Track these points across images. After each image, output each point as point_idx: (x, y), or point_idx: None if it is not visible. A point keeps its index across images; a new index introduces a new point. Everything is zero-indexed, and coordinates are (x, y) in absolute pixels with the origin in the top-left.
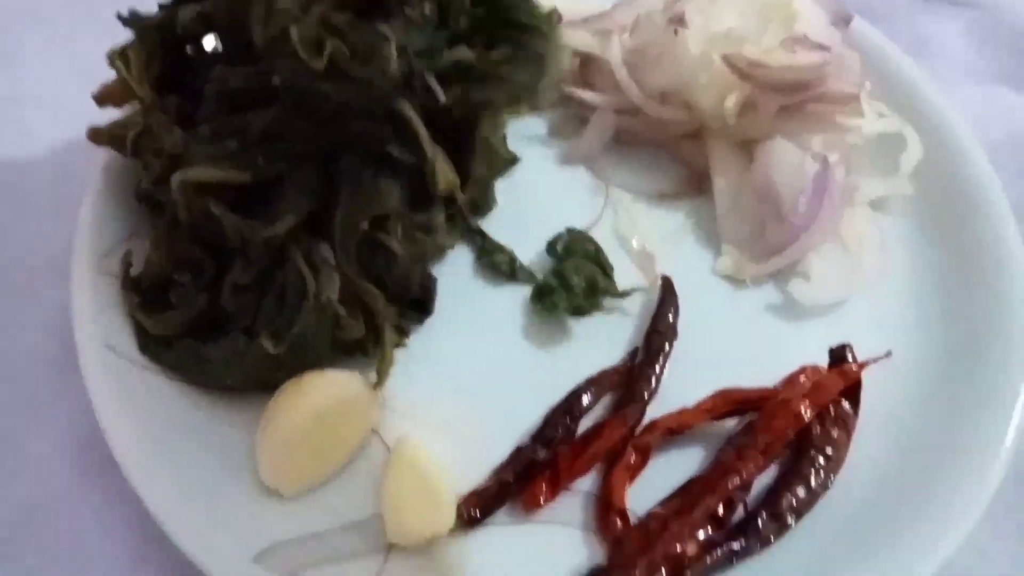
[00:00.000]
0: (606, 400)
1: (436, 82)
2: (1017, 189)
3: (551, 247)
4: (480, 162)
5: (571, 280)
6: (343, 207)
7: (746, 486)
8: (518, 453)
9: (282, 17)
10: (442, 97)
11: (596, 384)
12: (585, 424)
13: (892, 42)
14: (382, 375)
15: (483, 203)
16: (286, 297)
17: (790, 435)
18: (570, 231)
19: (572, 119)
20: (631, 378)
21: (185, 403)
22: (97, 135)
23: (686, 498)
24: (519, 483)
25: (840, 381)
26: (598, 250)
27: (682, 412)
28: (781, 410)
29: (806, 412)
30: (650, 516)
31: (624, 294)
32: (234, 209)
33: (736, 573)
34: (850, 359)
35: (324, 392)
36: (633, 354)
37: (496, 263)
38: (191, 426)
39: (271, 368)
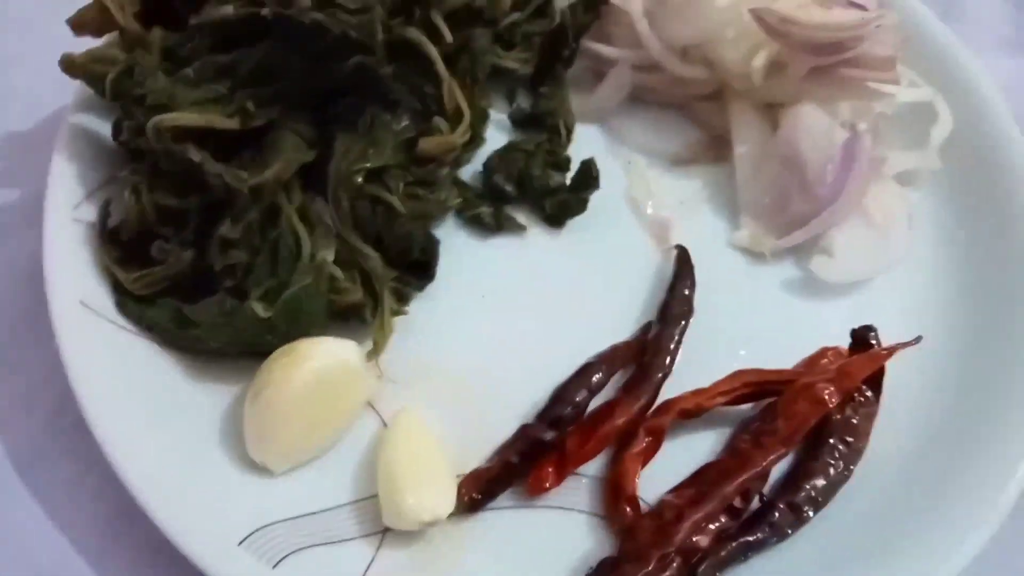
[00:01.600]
0: (617, 379)
1: (443, 22)
2: None
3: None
4: (479, 96)
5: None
6: (337, 157)
7: (764, 475)
8: (524, 432)
9: None
10: (449, 38)
11: (607, 361)
12: (595, 403)
13: (925, 7)
14: (380, 344)
15: (477, 136)
16: (278, 256)
17: (812, 423)
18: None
19: (587, 73)
20: (643, 355)
21: (167, 368)
22: (71, 66)
23: (700, 487)
24: (524, 465)
25: (867, 366)
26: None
27: (697, 393)
28: (804, 395)
29: (831, 399)
30: (663, 505)
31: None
32: (222, 159)
33: (751, 565)
34: (874, 342)
35: (318, 361)
36: (646, 328)
37: (481, 216)
38: (173, 394)
39: (261, 332)
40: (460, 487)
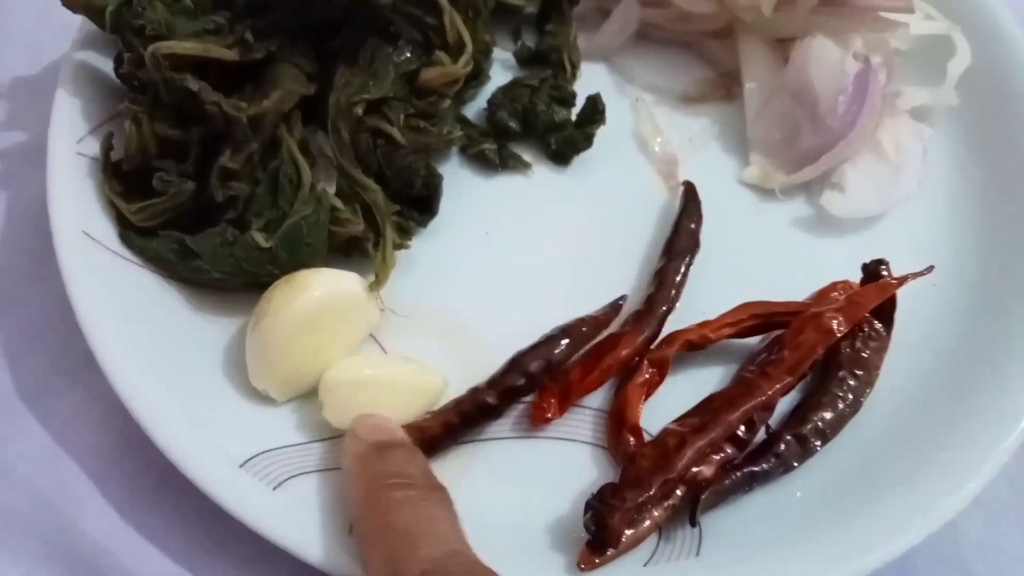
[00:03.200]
0: (604, 300)
1: None
2: None
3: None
4: (482, 29)
5: (506, 123)
6: (337, 89)
7: (769, 406)
8: (471, 395)
9: None
10: None
11: (571, 335)
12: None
13: None
14: (382, 277)
15: (481, 71)
16: (279, 187)
17: (820, 353)
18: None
19: (593, 11)
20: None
21: (170, 298)
22: (72, 0)
23: (705, 416)
24: (464, 427)
25: (876, 296)
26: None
27: (703, 325)
28: (811, 325)
29: (839, 328)
30: (666, 433)
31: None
32: (224, 91)
33: (755, 496)
34: (886, 275)
35: (319, 290)
36: (617, 303)
37: (485, 153)
38: (176, 323)
39: (262, 262)
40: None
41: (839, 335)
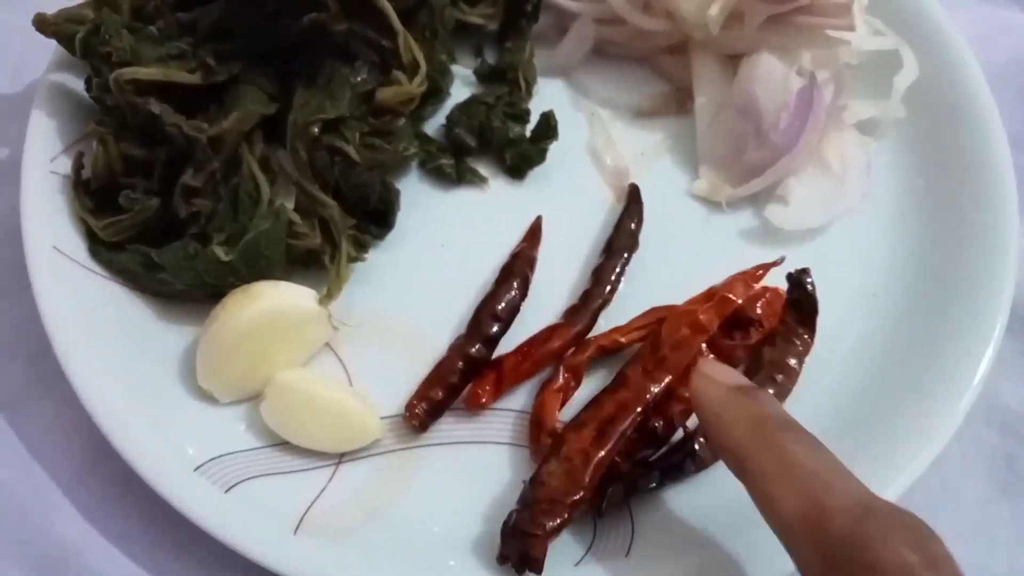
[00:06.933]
0: (558, 308)
1: None
2: (1016, 117)
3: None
4: (440, 49)
5: (462, 139)
6: (295, 109)
7: (660, 406)
8: (461, 349)
9: None
10: None
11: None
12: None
13: None
14: (333, 290)
15: (439, 89)
16: (239, 203)
17: (696, 348)
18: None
19: (552, 28)
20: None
21: (136, 309)
22: (44, 24)
23: (601, 424)
24: (464, 383)
25: (743, 290)
26: (498, 99)
27: (616, 330)
28: (685, 322)
29: (710, 323)
30: (571, 448)
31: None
32: (187, 112)
33: (687, 496)
34: (809, 285)
35: (270, 301)
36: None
37: (442, 168)
38: (140, 334)
39: (223, 275)
40: (408, 408)
41: (711, 330)
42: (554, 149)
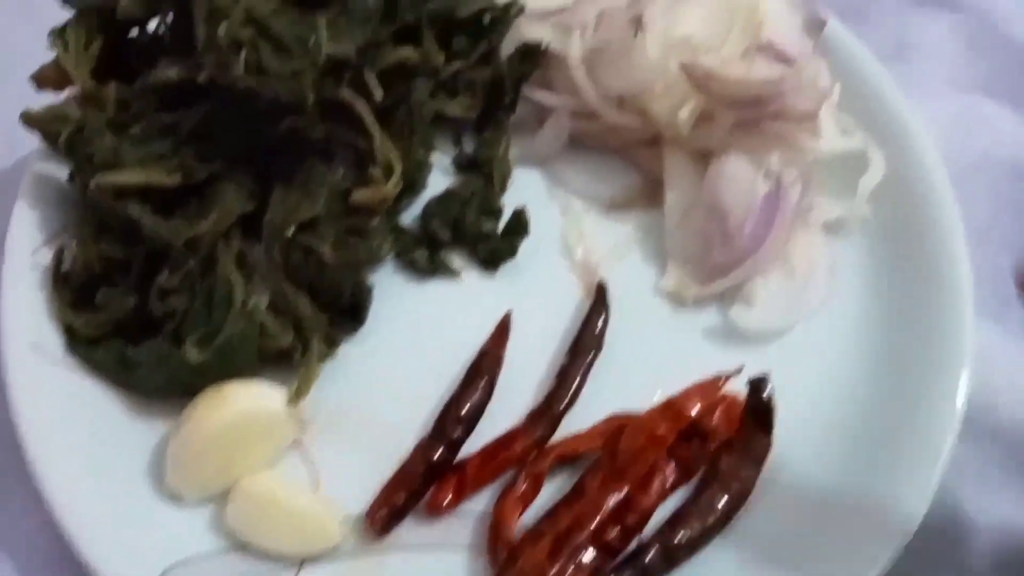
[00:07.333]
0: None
1: (375, 80)
2: (984, 211)
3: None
4: (419, 144)
5: (437, 232)
6: (272, 209)
7: (617, 516)
8: (425, 452)
9: (221, 14)
10: (379, 96)
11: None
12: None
13: (870, 47)
14: (302, 389)
15: (417, 184)
16: (213, 303)
17: (651, 459)
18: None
19: (531, 118)
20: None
21: (110, 405)
22: (30, 121)
23: (557, 538)
24: (427, 486)
25: (699, 400)
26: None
27: (575, 438)
28: (641, 432)
29: (665, 434)
30: (526, 561)
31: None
32: (167, 210)
33: None
34: (767, 391)
35: (239, 405)
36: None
37: (416, 260)
38: (113, 429)
39: (196, 374)
40: (368, 514)
41: (668, 442)
42: (530, 240)
